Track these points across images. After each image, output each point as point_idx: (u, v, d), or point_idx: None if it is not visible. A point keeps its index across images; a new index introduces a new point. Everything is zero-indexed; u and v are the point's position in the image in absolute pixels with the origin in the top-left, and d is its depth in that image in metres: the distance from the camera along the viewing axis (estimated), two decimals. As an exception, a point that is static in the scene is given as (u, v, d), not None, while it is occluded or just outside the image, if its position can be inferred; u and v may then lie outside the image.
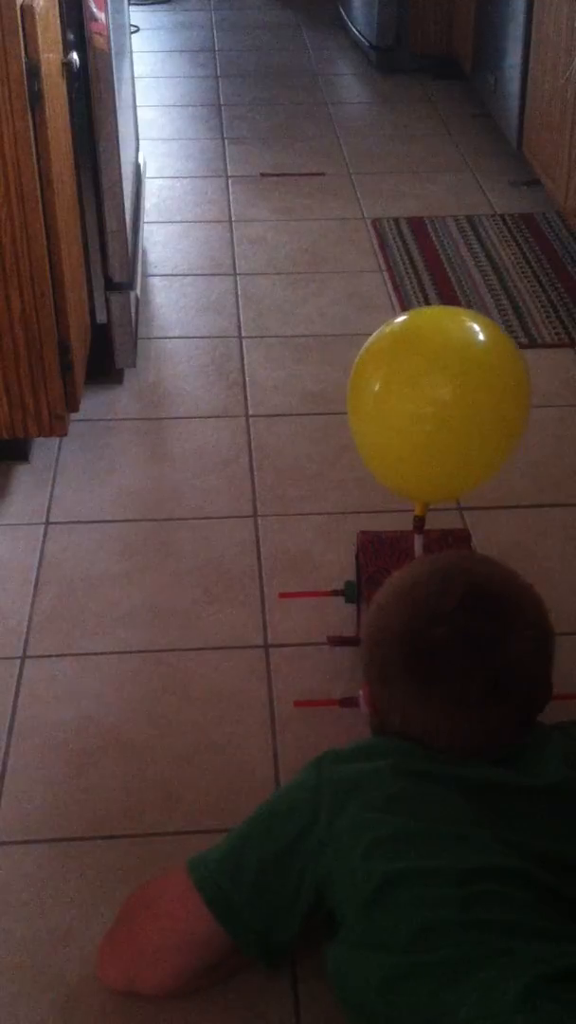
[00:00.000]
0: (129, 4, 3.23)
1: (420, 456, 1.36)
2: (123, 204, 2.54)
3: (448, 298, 3.06)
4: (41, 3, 1.99)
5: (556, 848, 1.25)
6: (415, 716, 1.34)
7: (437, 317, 1.39)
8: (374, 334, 1.42)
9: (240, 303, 3.05)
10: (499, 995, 1.10)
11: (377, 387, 1.32)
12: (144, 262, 3.21)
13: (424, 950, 1.17)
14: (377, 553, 1.88)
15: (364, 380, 1.35)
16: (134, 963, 1.40)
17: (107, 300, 2.59)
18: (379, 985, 1.20)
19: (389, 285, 3.14)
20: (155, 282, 3.18)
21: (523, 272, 3.20)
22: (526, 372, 1.33)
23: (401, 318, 1.39)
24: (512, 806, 1.29)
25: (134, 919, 1.41)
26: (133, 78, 3.36)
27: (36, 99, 1.98)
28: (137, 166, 3.19)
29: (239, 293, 3.10)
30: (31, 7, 1.93)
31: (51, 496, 2.32)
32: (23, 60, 1.93)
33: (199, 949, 1.36)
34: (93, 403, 2.60)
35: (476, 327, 1.31)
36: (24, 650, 1.95)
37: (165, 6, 5.79)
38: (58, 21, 2.22)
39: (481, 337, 1.30)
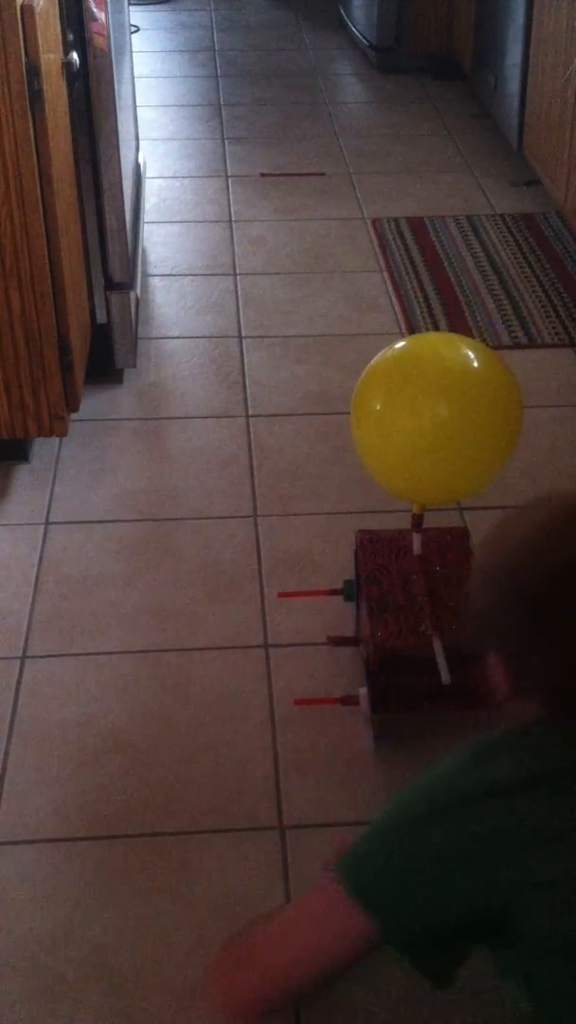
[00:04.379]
0: (129, 4, 3.23)
1: (419, 465, 1.44)
2: (123, 204, 2.54)
3: (448, 298, 3.06)
4: (41, 3, 1.99)
5: None
6: (568, 685, 1.14)
7: (435, 343, 1.50)
8: (376, 357, 1.50)
9: (240, 303, 3.05)
10: None
11: (379, 406, 1.42)
12: (144, 262, 3.21)
13: None
14: (375, 551, 1.89)
15: (367, 399, 1.44)
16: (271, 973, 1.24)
17: (107, 300, 2.59)
18: None
19: (389, 285, 3.14)
20: (155, 282, 3.18)
21: (523, 272, 3.20)
22: (518, 393, 1.42)
23: (401, 343, 1.48)
24: None
25: (277, 934, 1.26)
26: (133, 78, 3.36)
27: (36, 99, 1.98)
28: (137, 166, 3.19)
29: (239, 293, 3.10)
30: (31, 7, 1.93)
31: (51, 496, 2.33)
32: (23, 60, 1.94)
33: (346, 952, 1.20)
34: (93, 403, 2.61)
35: (471, 353, 1.41)
36: (24, 650, 1.95)
37: (165, 6, 5.79)
38: (58, 21, 2.22)
39: (475, 363, 1.40)
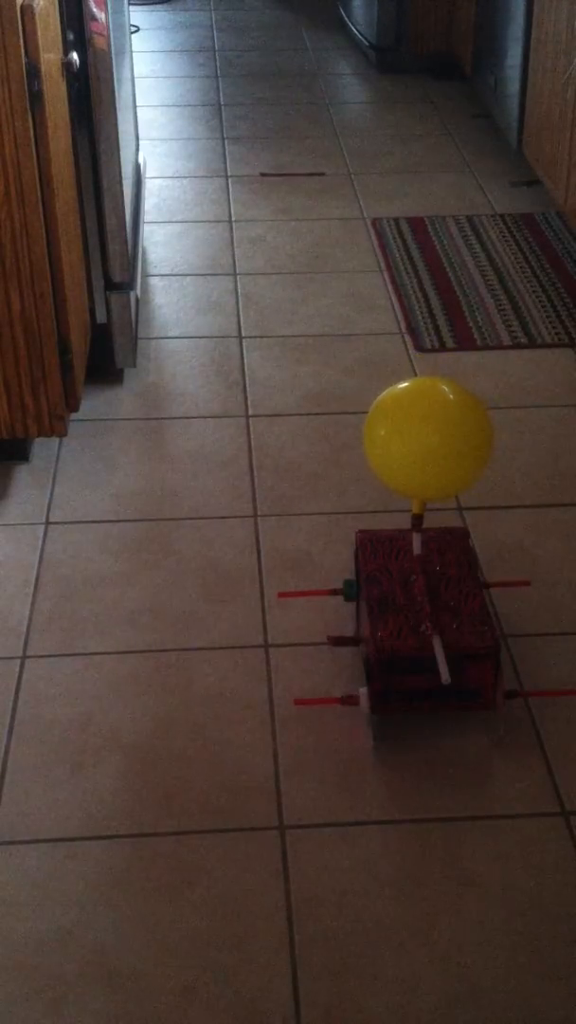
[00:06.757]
0: (129, 4, 3.23)
1: (417, 475, 1.77)
2: (123, 204, 2.54)
3: (448, 298, 3.07)
4: (41, 3, 1.99)
5: None
6: None
7: (423, 386, 1.86)
8: (382, 395, 1.80)
9: (240, 303, 3.05)
10: None
11: (383, 432, 1.76)
12: (144, 262, 3.21)
13: None
14: (375, 551, 1.89)
15: (376, 427, 1.77)
16: None
17: (107, 300, 2.59)
18: None
19: (389, 285, 3.14)
20: (155, 282, 3.18)
21: (523, 272, 3.20)
22: (488, 419, 1.76)
23: (402, 385, 1.82)
24: None
25: None
26: (133, 78, 3.36)
27: (36, 99, 1.98)
28: (137, 166, 3.19)
29: (239, 293, 3.10)
30: (31, 7, 1.93)
31: (51, 496, 2.33)
32: (23, 60, 1.94)
33: None
34: (93, 403, 2.61)
35: (451, 395, 1.77)
36: (24, 650, 1.95)
37: (165, 6, 5.79)
38: (58, 21, 2.22)
39: (452, 399, 1.77)
